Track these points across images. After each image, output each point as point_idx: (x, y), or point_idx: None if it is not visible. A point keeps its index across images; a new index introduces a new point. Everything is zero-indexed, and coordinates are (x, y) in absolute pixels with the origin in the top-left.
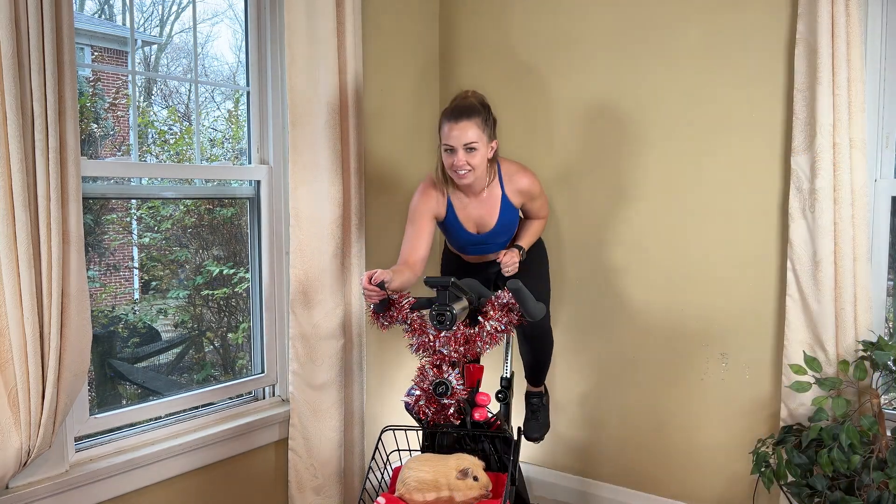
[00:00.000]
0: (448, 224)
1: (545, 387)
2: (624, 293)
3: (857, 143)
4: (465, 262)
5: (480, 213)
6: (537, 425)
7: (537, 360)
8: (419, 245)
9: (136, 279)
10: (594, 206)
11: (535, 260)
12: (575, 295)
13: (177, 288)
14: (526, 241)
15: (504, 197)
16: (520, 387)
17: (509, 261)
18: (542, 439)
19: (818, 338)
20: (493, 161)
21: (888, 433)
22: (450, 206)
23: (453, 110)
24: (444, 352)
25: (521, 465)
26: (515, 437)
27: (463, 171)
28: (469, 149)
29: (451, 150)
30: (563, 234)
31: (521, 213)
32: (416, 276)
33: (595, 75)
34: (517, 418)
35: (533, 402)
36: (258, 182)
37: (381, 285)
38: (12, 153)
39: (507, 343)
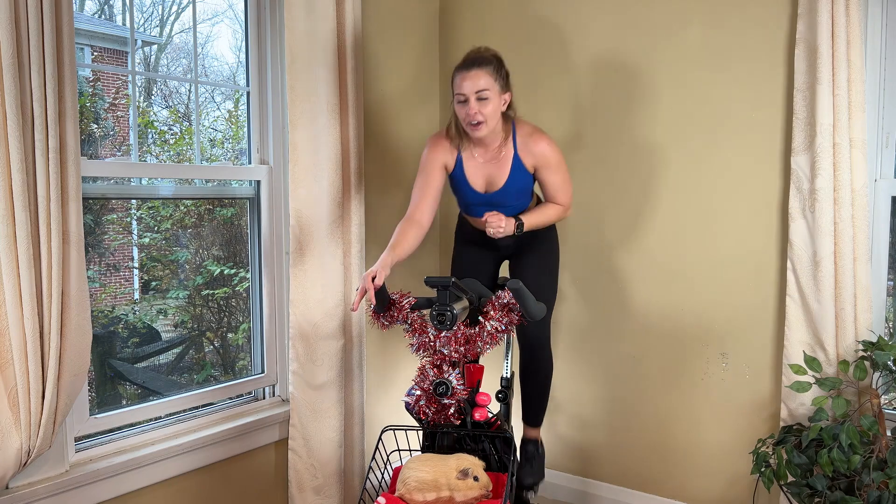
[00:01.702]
0: (454, 178)
1: (541, 439)
2: (624, 293)
3: (857, 143)
4: (475, 231)
5: (489, 172)
6: (531, 471)
7: (535, 388)
8: (426, 198)
9: (136, 279)
10: (594, 206)
11: (543, 252)
12: (575, 295)
13: (177, 288)
14: (529, 219)
15: (516, 157)
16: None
17: (495, 221)
18: (536, 489)
19: (818, 338)
20: (508, 119)
21: (888, 433)
22: (459, 160)
23: (465, 61)
24: (445, 352)
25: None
26: (514, 439)
27: (476, 122)
28: (481, 98)
29: (464, 101)
30: (564, 234)
31: (539, 194)
32: (424, 231)
33: (594, 75)
34: (517, 419)
35: (529, 449)
36: (258, 182)
37: (382, 286)
38: (12, 153)
39: (507, 343)
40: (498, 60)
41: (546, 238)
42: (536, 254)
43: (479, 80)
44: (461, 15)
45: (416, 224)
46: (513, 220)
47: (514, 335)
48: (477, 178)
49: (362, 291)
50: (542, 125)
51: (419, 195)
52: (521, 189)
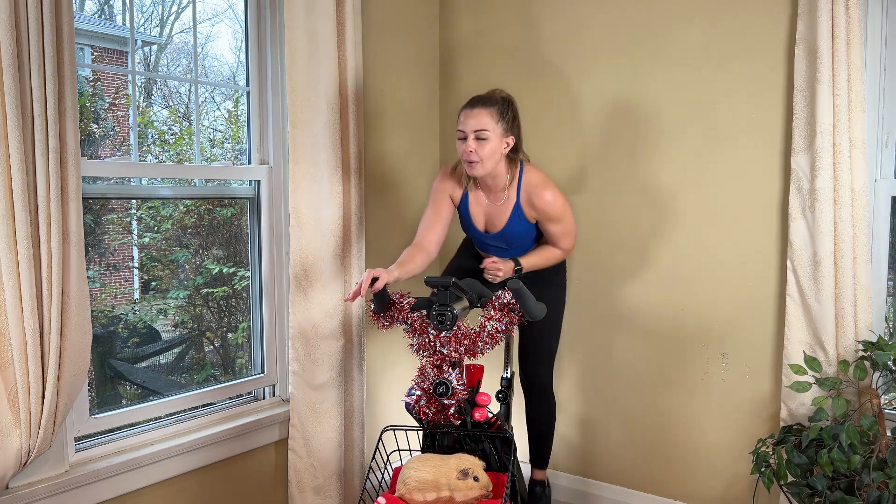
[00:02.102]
0: (459, 212)
1: (547, 479)
2: (624, 293)
3: (857, 143)
4: (479, 250)
5: (490, 214)
6: None
7: (540, 426)
8: (435, 226)
9: (136, 279)
10: (594, 206)
11: (549, 287)
12: (575, 295)
13: (177, 288)
14: (528, 262)
15: (517, 205)
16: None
17: (492, 267)
18: None
19: (818, 338)
20: (516, 163)
21: (888, 433)
22: (464, 196)
23: (473, 98)
24: (445, 352)
25: (521, 465)
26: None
27: (470, 160)
28: (479, 137)
29: (463, 138)
30: None
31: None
32: (431, 258)
33: (594, 75)
34: (517, 418)
35: (536, 490)
36: (258, 182)
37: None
38: (12, 153)
39: (508, 343)
40: (505, 102)
41: (552, 272)
42: (541, 284)
43: (480, 120)
44: (461, 15)
45: (425, 251)
46: (511, 264)
47: (514, 342)
48: (479, 217)
49: (359, 286)
50: (542, 127)
51: (429, 224)
52: (519, 235)
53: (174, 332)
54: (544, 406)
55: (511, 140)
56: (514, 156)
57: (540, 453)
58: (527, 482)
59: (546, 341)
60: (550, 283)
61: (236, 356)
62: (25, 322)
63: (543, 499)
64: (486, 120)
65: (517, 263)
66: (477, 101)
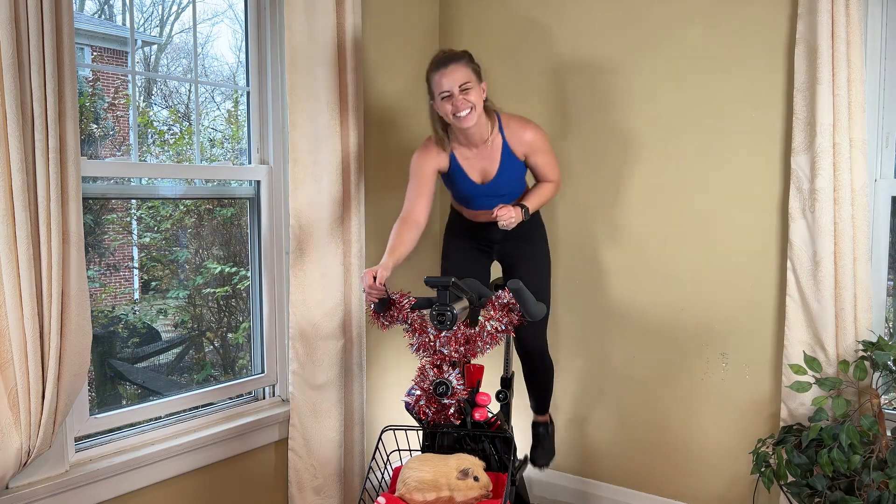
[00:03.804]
0: (453, 174)
1: (550, 416)
2: (624, 293)
3: (857, 143)
4: (470, 224)
5: (483, 163)
6: (543, 452)
7: (539, 387)
8: (421, 198)
9: (136, 279)
10: (594, 206)
11: (536, 252)
12: (575, 295)
13: (177, 288)
14: (532, 202)
15: (505, 146)
16: (522, 402)
17: (505, 213)
18: (548, 466)
19: (818, 338)
20: (491, 112)
21: (888, 433)
22: (453, 158)
23: (438, 60)
24: (445, 352)
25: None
26: (515, 440)
27: (465, 111)
28: (464, 89)
29: (448, 96)
30: (563, 235)
31: (529, 176)
32: (421, 230)
33: (594, 75)
34: (517, 418)
35: (539, 431)
36: (258, 182)
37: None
38: (12, 153)
39: (508, 343)
40: (468, 54)
41: (535, 236)
42: (528, 256)
43: (460, 74)
44: (460, 15)
45: (413, 223)
46: (519, 208)
47: (513, 342)
48: (473, 170)
49: (368, 291)
50: (542, 126)
51: (414, 195)
52: (514, 175)
53: (174, 332)
54: (542, 367)
55: (485, 86)
56: (488, 103)
57: (540, 403)
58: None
59: (539, 295)
60: (533, 237)
61: (236, 356)
62: (25, 322)
63: (547, 438)
64: (463, 72)
65: (522, 206)
66: (447, 59)
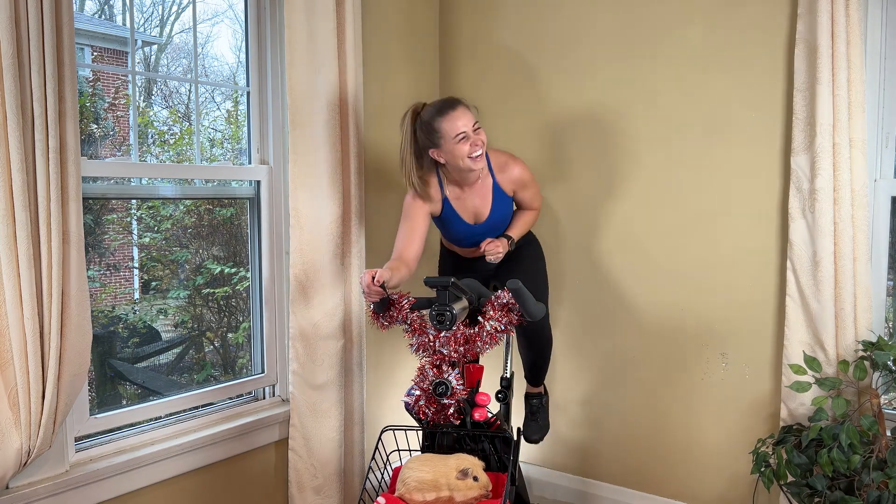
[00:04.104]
0: (445, 218)
1: (545, 387)
2: (624, 293)
3: (857, 143)
4: (463, 259)
5: (475, 203)
6: (537, 427)
7: (536, 358)
8: (413, 240)
9: (136, 279)
10: (594, 206)
11: (530, 255)
12: (575, 295)
13: (177, 288)
14: (516, 231)
15: (496, 185)
16: (520, 387)
17: (493, 248)
18: (542, 440)
19: (818, 338)
20: None
21: (888, 433)
22: (445, 201)
23: (444, 103)
24: (444, 352)
25: (521, 465)
26: (515, 438)
27: (479, 152)
28: (476, 129)
29: (465, 136)
30: (563, 234)
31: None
32: (411, 273)
33: (595, 74)
34: (517, 418)
35: (533, 403)
36: (258, 182)
37: (382, 285)
38: (12, 153)
39: (507, 343)
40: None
41: (527, 244)
42: (523, 261)
43: (469, 114)
44: (460, 16)
45: (405, 264)
46: (505, 240)
47: (514, 342)
48: (466, 211)
49: (367, 291)
50: (542, 125)
51: (405, 239)
52: (505, 213)
53: (174, 332)
54: (539, 332)
55: None
56: None
57: (534, 373)
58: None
59: (537, 289)
60: (525, 246)
61: (236, 356)
62: (25, 322)
63: (541, 410)
64: (472, 113)
65: (508, 237)
66: (455, 103)
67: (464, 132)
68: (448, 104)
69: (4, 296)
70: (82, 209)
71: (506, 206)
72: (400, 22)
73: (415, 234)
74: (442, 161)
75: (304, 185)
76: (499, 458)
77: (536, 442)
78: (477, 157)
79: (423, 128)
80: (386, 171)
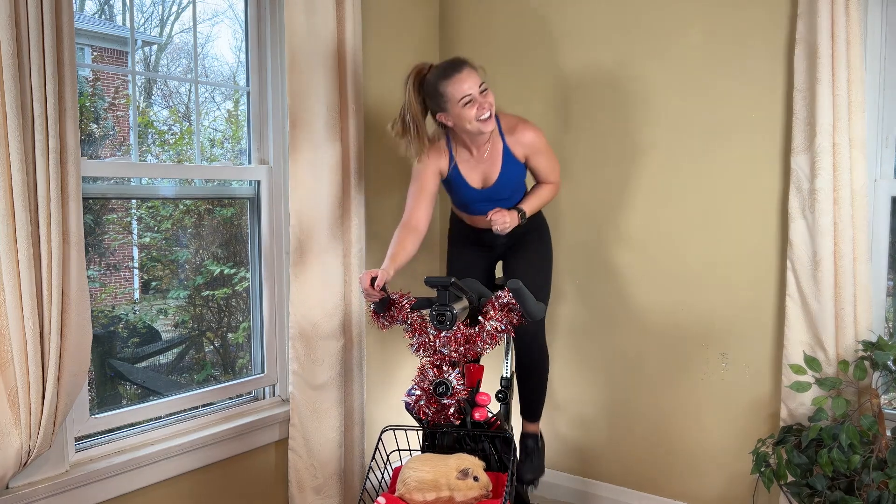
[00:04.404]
0: (452, 179)
1: (541, 432)
2: (624, 293)
3: (857, 143)
4: (471, 229)
5: (483, 168)
6: (531, 467)
7: (532, 376)
8: (421, 202)
9: (136, 279)
10: (594, 206)
11: (539, 250)
12: (575, 295)
13: (177, 288)
14: (529, 205)
15: (506, 148)
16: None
17: (499, 218)
18: (536, 484)
19: (818, 338)
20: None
21: (888, 433)
22: (452, 161)
23: (448, 67)
24: (445, 352)
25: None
26: (513, 473)
27: (487, 114)
28: (483, 90)
29: (471, 100)
30: (564, 234)
31: (529, 177)
32: (421, 236)
33: (593, 75)
34: (517, 418)
35: (528, 444)
36: (258, 182)
37: (383, 287)
38: (12, 153)
39: (507, 343)
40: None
41: (538, 233)
42: (530, 252)
43: (474, 76)
44: (460, 16)
45: (413, 229)
46: (515, 212)
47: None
48: (473, 174)
49: (366, 293)
50: (543, 125)
51: (414, 200)
52: (516, 179)
53: (174, 332)
54: (536, 357)
55: None
56: None
57: (531, 406)
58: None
59: (538, 288)
60: (536, 233)
61: (236, 356)
62: (25, 322)
63: (536, 453)
64: (477, 75)
65: (519, 210)
66: (460, 65)
67: (470, 95)
68: (452, 66)
69: (4, 296)
70: (82, 209)
71: (516, 171)
72: (400, 20)
73: (422, 195)
74: (450, 124)
75: (304, 185)
76: (499, 458)
77: (530, 483)
78: (485, 119)
79: (429, 92)
80: (386, 171)
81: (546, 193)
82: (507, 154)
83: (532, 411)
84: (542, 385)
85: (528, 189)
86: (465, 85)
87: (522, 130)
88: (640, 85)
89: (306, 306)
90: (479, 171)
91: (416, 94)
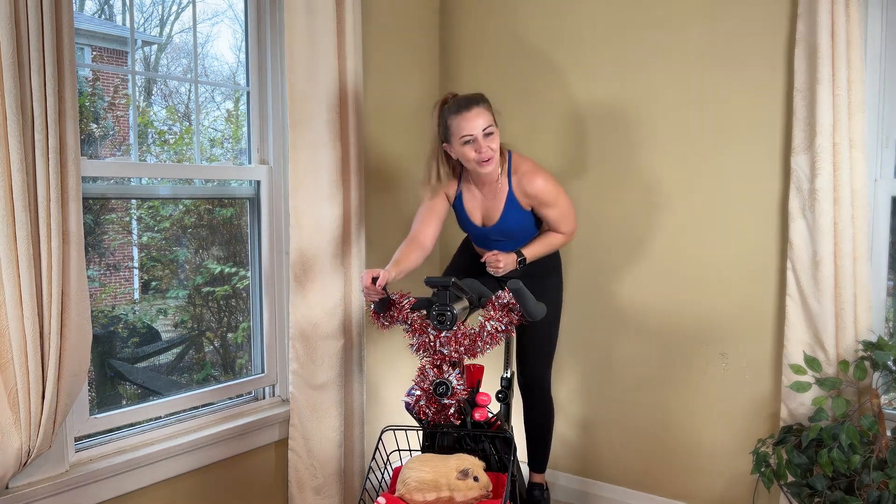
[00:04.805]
0: (456, 208)
1: (546, 483)
2: (624, 293)
3: (857, 143)
4: (476, 255)
5: (486, 206)
6: None
7: (538, 427)
8: (430, 221)
9: (136, 279)
10: (594, 206)
11: (546, 287)
12: (575, 295)
13: (177, 288)
14: (530, 251)
15: (510, 194)
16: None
17: (492, 260)
18: None
19: (818, 338)
20: (503, 153)
21: (888, 433)
22: (458, 193)
23: (459, 102)
24: (445, 352)
25: (522, 465)
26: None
27: (488, 157)
28: (487, 134)
29: (471, 140)
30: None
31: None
32: (426, 254)
33: (594, 75)
34: (516, 420)
35: (535, 494)
36: (258, 182)
37: (384, 287)
38: (12, 153)
39: (507, 343)
40: (485, 98)
41: (547, 278)
42: (538, 284)
43: (482, 118)
44: (461, 16)
45: (420, 245)
46: (513, 256)
47: (514, 342)
48: (475, 211)
49: (367, 292)
50: (543, 125)
51: (423, 218)
52: (517, 224)
53: (174, 331)
54: (542, 408)
55: (498, 130)
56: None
57: (538, 456)
58: (526, 484)
59: (544, 341)
60: (547, 283)
61: (236, 356)
62: (25, 322)
63: (543, 502)
64: (487, 116)
65: (519, 254)
66: (471, 102)
67: (470, 136)
68: (465, 103)
69: (4, 296)
70: (82, 209)
71: (519, 217)
72: (400, 21)
73: (432, 215)
74: (454, 157)
75: (304, 185)
76: (499, 458)
77: None
78: (484, 161)
79: (441, 121)
80: (387, 171)
81: (554, 241)
82: (511, 199)
83: (538, 462)
84: (547, 435)
85: (539, 231)
86: (467, 124)
87: (530, 179)
88: (640, 84)
89: (306, 306)
90: (481, 209)
91: (438, 120)
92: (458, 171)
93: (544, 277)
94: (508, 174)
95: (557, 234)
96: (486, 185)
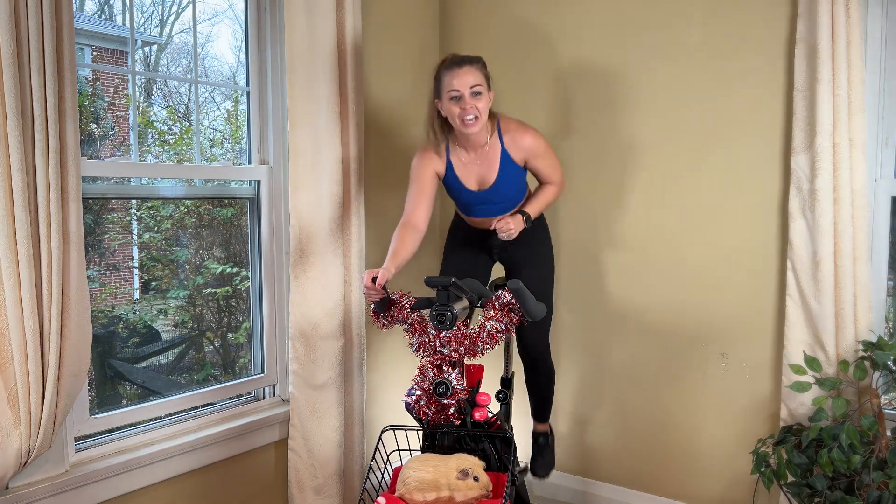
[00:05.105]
0: (448, 182)
1: (550, 426)
2: (624, 293)
3: (857, 143)
4: (472, 230)
5: (480, 170)
6: (543, 463)
7: (540, 392)
8: (421, 202)
9: (136, 279)
10: (594, 206)
11: (541, 253)
12: (575, 295)
13: (177, 288)
14: (533, 208)
15: (504, 152)
16: (525, 411)
17: (503, 226)
18: (548, 476)
19: (818, 338)
20: (492, 116)
21: (888, 433)
22: (449, 165)
23: (453, 59)
24: (445, 352)
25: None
26: (519, 470)
27: (471, 117)
28: (475, 93)
29: (458, 98)
30: (563, 235)
31: (530, 180)
32: (421, 235)
33: (594, 74)
34: (517, 418)
35: (539, 441)
36: (258, 182)
37: (384, 286)
38: (12, 153)
39: (507, 343)
40: (481, 60)
41: (538, 235)
42: (532, 256)
43: (471, 76)
44: (460, 16)
45: (413, 228)
46: (520, 217)
47: (514, 342)
48: (469, 177)
49: (367, 292)
50: (542, 125)
51: (414, 200)
52: (514, 181)
53: (174, 332)
54: (543, 373)
55: (492, 95)
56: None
57: (541, 410)
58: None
59: (541, 298)
60: (536, 238)
61: (236, 356)
62: (25, 322)
63: (548, 448)
64: (476, 75)
65: (524, 213)
66: (463, 60)
67: (457, 92)
68: (455, 60)
69: (4, 296)
70: (82, 209)
71: (515, 175)
72: (400, 21)
73: (422, 196)
74: (443, 113)
75: (304, 185)
76: (499, 458)
77: (543, 478)
78: (469, 121)
79: (435, 75)
80: (387, 171)
81: (550, 195)
82: (505, 157)
83: (541, 414)
84: (549, 393)
85: (532, 191)
86: (456, 80)
87: (521, 134)
88: (640, 85)
89: (306, 306)
90: (476, 174)
91: (434, 77)
92: (446, 144)
93: (535, 240)
94: (500, 135)
95: (551, 187)
96: (477, 149)
